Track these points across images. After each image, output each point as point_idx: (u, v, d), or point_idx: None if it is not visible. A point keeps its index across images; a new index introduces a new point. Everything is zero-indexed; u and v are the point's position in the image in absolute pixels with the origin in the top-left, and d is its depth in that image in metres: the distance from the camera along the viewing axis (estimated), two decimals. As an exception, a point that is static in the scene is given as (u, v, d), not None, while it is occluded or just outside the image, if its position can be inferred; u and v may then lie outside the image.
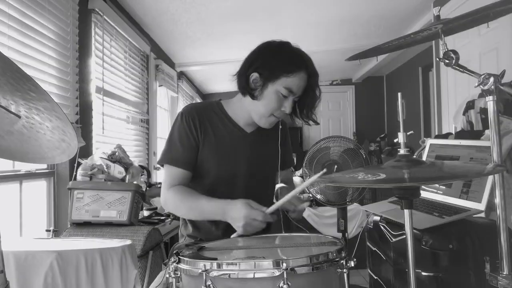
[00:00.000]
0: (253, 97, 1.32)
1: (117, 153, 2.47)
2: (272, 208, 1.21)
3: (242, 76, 1.33)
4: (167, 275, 0.94)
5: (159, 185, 3.32)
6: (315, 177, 1.19)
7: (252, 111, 1.36)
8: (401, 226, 1.52)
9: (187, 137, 1.35)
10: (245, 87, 1.33)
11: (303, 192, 3.84)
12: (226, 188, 1.37)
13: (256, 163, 1.41)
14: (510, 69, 1.34)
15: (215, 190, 1.36)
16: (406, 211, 0.93)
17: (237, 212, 1.19)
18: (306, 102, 1.36)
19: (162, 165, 1.39)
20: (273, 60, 1.29)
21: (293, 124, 1.52)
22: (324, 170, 1.25)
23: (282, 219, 1.44)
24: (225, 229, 1.38)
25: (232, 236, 1.23)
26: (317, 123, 1.44)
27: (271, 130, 1.43)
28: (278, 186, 1.54)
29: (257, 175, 1.42)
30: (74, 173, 2.33)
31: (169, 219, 2.61)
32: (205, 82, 6.53)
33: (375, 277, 1.81)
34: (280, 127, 1.48)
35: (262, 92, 1.30)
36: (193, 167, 1.37)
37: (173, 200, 1.33)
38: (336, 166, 2.21)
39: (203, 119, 1.38)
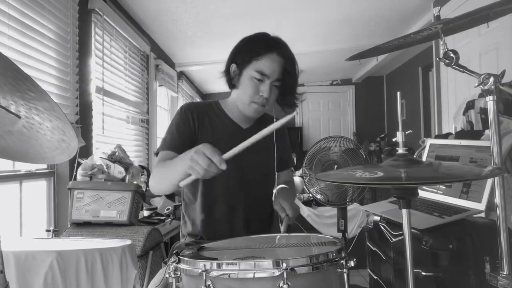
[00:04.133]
0: (233, 86, 1.41)
1: (117, 153, 2.47)
2: (228, 154, 1.08)
3: (226, 70, 1.42)
4: (167, 275, 0.94)
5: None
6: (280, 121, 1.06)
7: (237, 102, 1.42)
8: (401, 226, 1.51)
9: (184, 125, 1.40)
10: (228, 79, 1.42)
11: (303, 191, 3.84)
12: (223, 182, 1.38)
13: (252, 159, 1.40)
14: (510, 69, 1.34)
15: (212, 184, 1.38)
16: (404, 211, 0.93)
17: (195, 149, 1.09)
18: (284, 86, 1.38)
19: (157, 155, 1.40)
20: (244, 47, 1.37)
21: (293, 124, 1.51)
22: (294, 113, 1.13)
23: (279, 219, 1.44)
24: (226, 227, 1.39)
25: (182, 183, 1.15)
26: (295, 106, 1.46)
27: (266, 125, 1.45)
28: (277, 187, 1.54)
29: (254, 171, 1.43)
30: (74, 173, 2.33)
31: (169, 219, 2.61)
32: (205, 82, 6.53)
33: (375, 277, 1.81)
34: (275, 119, 1.49)
35: (239, 79, 1.37)
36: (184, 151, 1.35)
37: (157, 171, 1.32)
38: (336, 166, 2.21)
39: (202, 115, 1.43)
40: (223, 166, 1.06)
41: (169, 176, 1.24)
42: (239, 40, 1.43)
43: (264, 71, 1.32)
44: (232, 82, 1.41)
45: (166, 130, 1.45)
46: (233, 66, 1.39)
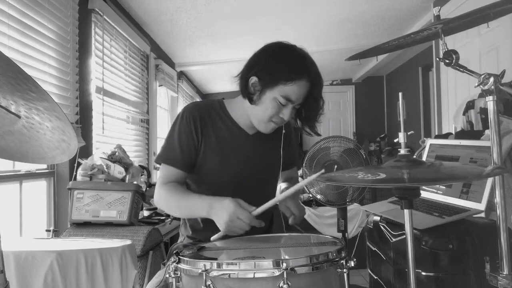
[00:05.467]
0: (251, 101, 1.29)
1: (117, 153, 2.47)
2: (259, 210, 1.15)
3: (243, 78, 1.29)
4: (167, 275, 0.94)
5: (159, 185, 3.32)
6: (311, 177, 1.14)
7: (251, 115, 1.33)
8: (401, 226, 1.52)
9: (186, 138, 1.33)
10: (245, 90, 1.29)
11: (302, 191, 3.84)
12: (228, 190, 1.33)
13: (258, 166, 1.39)
14: (510, 69, 1.34)
15: (216, 192, 1.33)
16: (406, 211, 0.93)
17: (223, 208, 1.15)
18: (307, 112, 1.32)
19: (159, 164, 1.38)
20: (272, 66, 1.25)
21: (293, 124, 1.50)
22: (322, 170, 1.21)
23: (283, 219, 1.43)
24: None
25: (212, 238, 1.19)
26: (318, 135, 1.44)
27: (274, 133, 1.40)
28: (282, 185, 1.52)
29: (260, 178, 1.39)
30: (74, 173, 2.33)
31: (169, 219, 2.61)
32: (205, 82, 6.53)
33: (375, 277, 1.81)
34: (284, 131, 1.45)
35: (260, 97, 1.26)
36: (189, 168, 1.35)
37: (165, 196, 1.31)
38: (336, 166, 2.21)
39: (205, 120, 1.35)
40: (262, 225, 1.17)
41: (183, 212, 1.37)
42: (265, 49, 1.30)
43: (291, 97, 1.23)
44: (248, 95, 1.29)
45: (167, 136, 1.37)
46: (254, 79, 1.26)
